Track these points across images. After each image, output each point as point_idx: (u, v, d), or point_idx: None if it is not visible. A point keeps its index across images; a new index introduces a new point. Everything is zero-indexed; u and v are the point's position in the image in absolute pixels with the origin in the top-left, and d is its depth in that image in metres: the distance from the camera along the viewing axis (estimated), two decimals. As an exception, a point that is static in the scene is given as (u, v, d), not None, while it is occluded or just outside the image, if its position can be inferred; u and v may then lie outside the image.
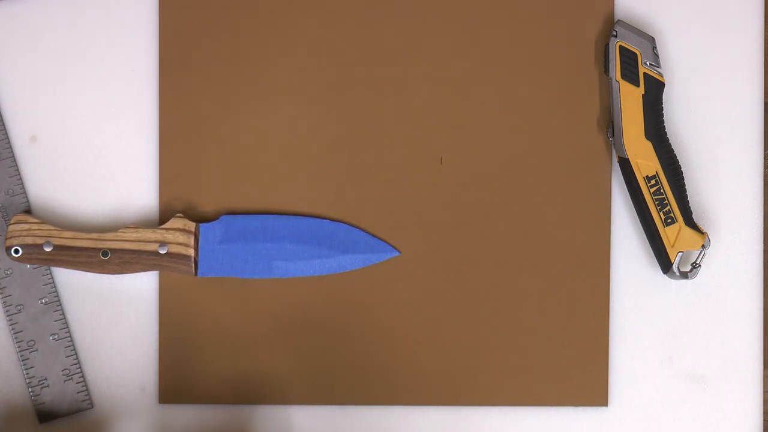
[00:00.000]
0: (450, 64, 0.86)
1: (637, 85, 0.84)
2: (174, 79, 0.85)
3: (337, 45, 0.86)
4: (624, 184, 0.86)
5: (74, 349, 0.85)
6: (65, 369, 0.85)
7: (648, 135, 0.84)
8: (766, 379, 0.89)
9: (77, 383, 0.85)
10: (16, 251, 0.83)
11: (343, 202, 0.86)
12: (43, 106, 0.85)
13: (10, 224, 0.83)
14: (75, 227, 0.85)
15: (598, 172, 0.86)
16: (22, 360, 0.85)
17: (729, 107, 0.87)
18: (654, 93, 0.84)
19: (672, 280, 0.86)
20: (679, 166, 0.85)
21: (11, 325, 0.85)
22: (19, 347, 0.85)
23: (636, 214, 0.86)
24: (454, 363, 0.86)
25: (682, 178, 0.85)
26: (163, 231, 0.84)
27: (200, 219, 0.85)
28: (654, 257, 0.86)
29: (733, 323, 0.87)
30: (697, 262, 0.85)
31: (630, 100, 0.84)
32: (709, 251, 0.87)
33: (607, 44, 0.84)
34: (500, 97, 0.86)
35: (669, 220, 0.84)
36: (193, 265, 0.84)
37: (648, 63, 0.84)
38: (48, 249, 0.83)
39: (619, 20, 0.85)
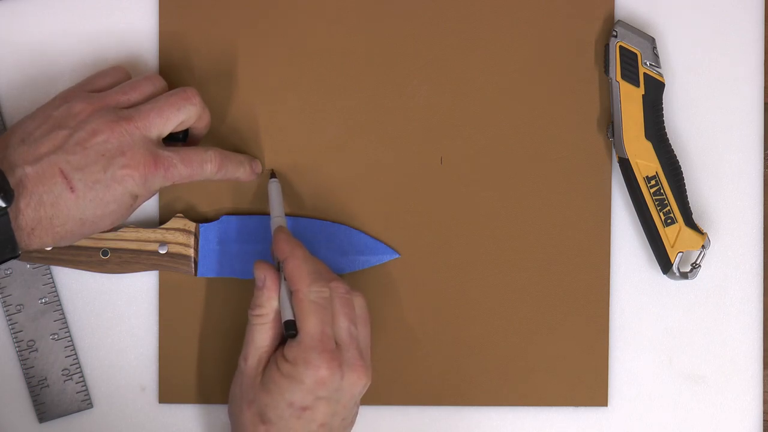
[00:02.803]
0: (450, 64, 0.86)
1: (637, 85, 0.84)
2: (174, 79, 0.85)
3: (337, 45, 0.86)
4: (624, 184, 0.86)
5: (74, 349, 0.85)
6: (65, 369, 0.85)
7: (648, 135, 0.84)
8: (766, 379, 0.89)
9: (77, 383, 0.85)
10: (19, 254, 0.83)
11: (343, 202, 0.85)
12: (43, 106, 0.85)
13: (10, 224, 0.83)
14: (75, 227, 0.85)
15: (598, 172, 0.86)
16: (22, 360, 0.85)
17: (729, 107, 0.87)
18: (654, 93, 0.84)
19: (672, 280, 0.86)
20: (679, 166, 0.85)
21: (11, 325, 0.85)
22: (18, 347, 0.85)
23: (636, 214, 0.86)
24: (454, 363, 0.86)
25: (682, 178, 0.85)
26: (163, 231, 0.84)
27: (200, 219, 0.85)
28: (654, 257, 0.86)
29: (733, 323, 0.87)
30: (697, 262, 0.85)
31: (630, 100, 0.84)
32: (709, 251, 0.87)
33: (607, 44, 0.84)
34: (500, 97, 0.86)
35: (669, 221, 0.84)
36: (193, 265, 0.84)
37: (648, 63, 0.84)
38: (48, 248, 0.83)
39: (619, 20, 0.85)
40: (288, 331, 0.77)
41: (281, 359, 0.77)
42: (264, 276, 0.79)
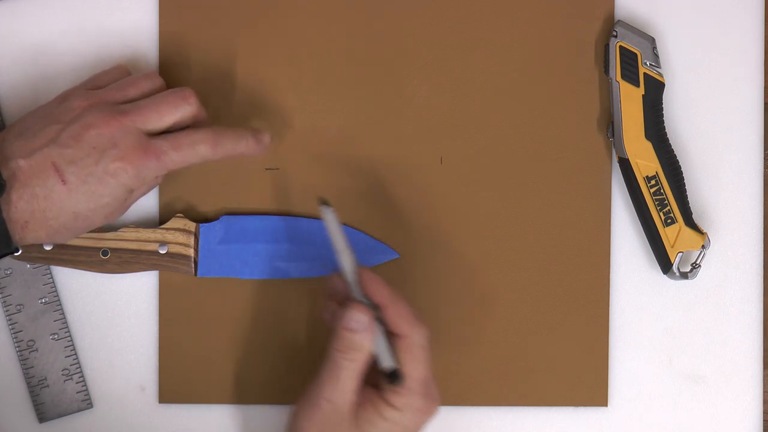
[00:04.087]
0: (450, 64, 0.86)
1: (637, 85, 0.84)
2: (174, 79, 0.85)
3: (337, 45, 0.86)
4: (624, 184, 0.86)
5: (74, 349, 0.85)
6: (65, 369, 0.85)
7: (648, 135, 0.84)
8: (766, 379, 0.89)
9: (77, 383, 0.85)
10: (16, 249, 0.83)
11: (343, 202, 0.85)
12: (43, 106, 0.85)
13: (10, 224, 0.83)
14: (75, 227, 0.85)
15: (598, 172, 0.86)
16: (22, 360, 0.85)
17: (729, 107, 0.87)
18: (654, 93, 0.84)
19: (672, 280, 0.86)
20: (679, 166, 0.85)
21: (11, 325, 0.85)
22: (18, 347, 0.85)
23: (636, 214, 0.86)
24: (455, 363, 0.86)
25: (682, 178, 0.85)
26: (163, 231, 0.84)
27: (200, 219, 0.85)
28: (654, 257, 0.86)
29: (733, 323, 0.87)
30: (697, 262, 0.85)
31: (630, 100, 0.84)
32: (709, 251, 0.87)
33: (607, 44, 0.84)
34: (500, 97, 0.86)
35: (669, 221, 0.84)
36: (193, 265, 0.84)
37: (648, 63, 0.84)
38: (48, 248, 0.83)
39: (619, 20, 0.85)
40: (393, 380, 0.76)
41: (385, 405, 0.76)
42: (363, 319, 0.76)
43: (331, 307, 0.79)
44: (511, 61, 0.86)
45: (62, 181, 0.74)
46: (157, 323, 0.86)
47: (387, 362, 0.76)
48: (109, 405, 0.86)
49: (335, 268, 0.79)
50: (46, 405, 0.85)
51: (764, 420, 0.88)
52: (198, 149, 0.78)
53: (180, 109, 0.78)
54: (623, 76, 0.84)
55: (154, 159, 0.76)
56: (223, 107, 0.85)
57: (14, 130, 0.76)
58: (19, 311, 0.85)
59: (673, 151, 0.85)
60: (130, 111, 0.77)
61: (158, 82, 0.80)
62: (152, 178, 0.78)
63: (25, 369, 0.85)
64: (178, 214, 0.84)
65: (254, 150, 0.80)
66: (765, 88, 0.87)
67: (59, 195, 0.75)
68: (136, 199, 0.79)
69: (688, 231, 0.85)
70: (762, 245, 0.87)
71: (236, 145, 0.80)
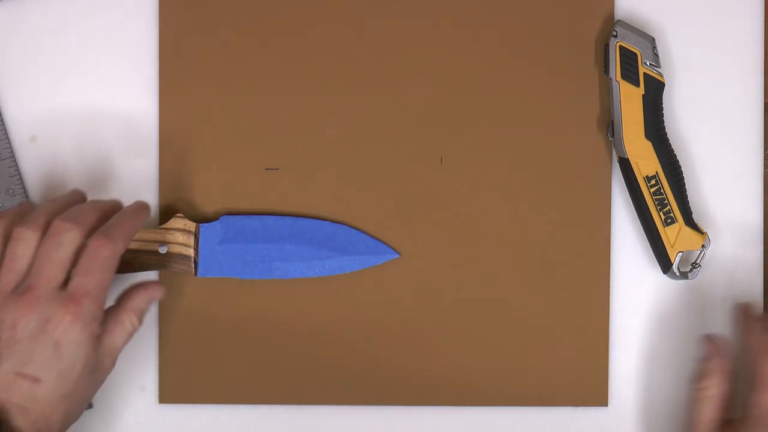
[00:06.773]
0: (450, 64, 0.86)
1: (637, 85, 0.84)
2: (174, 79, 0.85)
3: (337, 45, 0.86)
4: (624, 184, 0.86)
5: (74, 349, 0.85)
6: (65, 369, 0.85)
7: (648, 135, 0.84)
8: (766, 379, 0.89)
9: (77, 383, 0.85)
10: None
11: (343, 203, 0.85)
12: (43, 106, 0.85)
13: (10, 224, 0.83)
14: (75, 227, 0.85)
15: (598, 172, 0.86)
16: (22, 360, 0.85)
17: (729, 107, 0.87)
18: (654, 93, 0.84)
19: (672, 280, 0.86)
20: (679, 166, 0.85)
21: (11, 325, 0.85)
22: (19, 347, 0.85)
23: (636, 214, 0.86)
24: (454, 363, 0.86)
25: (682, 178, 0.85)
26: (163, 231, 0.84)
27: (200, 219, 0.85)
28: (654, 257, 0.86)
29: (733, 323, 0.87)
30: (697, 262, 0.85)
31: (630, 100, 0.84)
32: (709, 251, 0.87)
33: (607, 44, 0.84)
34: (500, 97, 0.86)
35: (669, 220, 0.85)
36: (193, 265, 0.84)
37: (648, 63, 0.84)
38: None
39: (619, 20, 0.85)
40: None
41: None
42: (711, 348, 0.83)
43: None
44: (511, 61, 0.86)
45: (35, 380, 0.74)
46: (157, 323, 0.86)
47: None
48: (109, 405, 0.86)
49: None
50: (46, 405, 0.85)
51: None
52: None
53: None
54: (623, 76, 0.84)
55: (74, 304, 0.75)
56: (224, 107, 0.85)
57: None
58: (19, 311, 0.85)
59: (673, 151, 0.85)
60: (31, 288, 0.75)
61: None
62: (99, 313, 0.76)
63: (25, 369, 0.85)
64: (178, 214, 0.84)
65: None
66: (765, 88, 0.87)
67: (42, 393, 0.74)
68: (118, 342, 0.78)
69: (688, 231, 0.85)
70: (762, 245, 0.87)
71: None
